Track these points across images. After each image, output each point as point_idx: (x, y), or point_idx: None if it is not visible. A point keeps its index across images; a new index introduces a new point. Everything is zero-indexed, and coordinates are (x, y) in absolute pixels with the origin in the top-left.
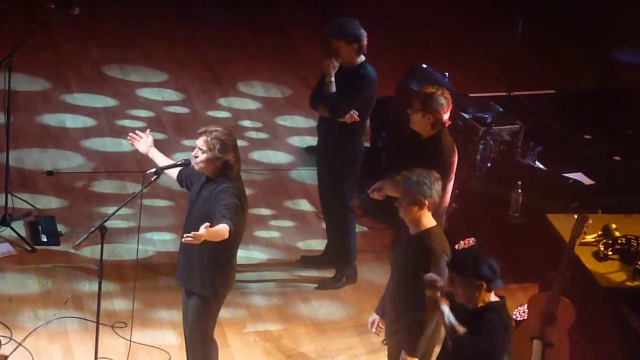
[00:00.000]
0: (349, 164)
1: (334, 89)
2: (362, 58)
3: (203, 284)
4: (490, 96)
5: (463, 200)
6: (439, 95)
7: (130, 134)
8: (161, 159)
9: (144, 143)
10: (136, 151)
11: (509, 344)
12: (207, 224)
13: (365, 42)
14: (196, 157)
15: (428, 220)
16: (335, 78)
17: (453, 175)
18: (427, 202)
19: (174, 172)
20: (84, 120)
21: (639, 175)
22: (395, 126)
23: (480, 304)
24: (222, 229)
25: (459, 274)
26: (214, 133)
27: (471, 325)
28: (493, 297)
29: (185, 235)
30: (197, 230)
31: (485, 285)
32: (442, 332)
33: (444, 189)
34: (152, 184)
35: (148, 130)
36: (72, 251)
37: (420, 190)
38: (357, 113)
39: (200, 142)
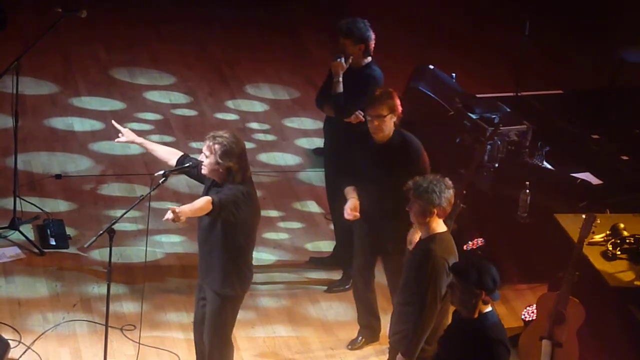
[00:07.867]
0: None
1: (341, 89)
2: (369, 59)
3: (225, 283)
4: (498, 96)
5: (471, 201)
6: (391, 91)
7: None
8: (158, 148)
9: (127, 135)
10: (144, 154)
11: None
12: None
13: (372, 44)
14: (201, 161)
15: (438, 226)
16: (342, 78)
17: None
18: (435, 210)
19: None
20: (91, 124)
21: None
22: (403, 127)
23: (476, 315)
24: (202, 203)
25: (461, 280)
26: (217, 139)
27: (463, 337)
28: (488, 309)
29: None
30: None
31: (484, 294)
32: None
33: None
34: (160, 186)
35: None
36: (81, 254)
37: (430, 198)
38: (362, 113)
39: (204, 147)
